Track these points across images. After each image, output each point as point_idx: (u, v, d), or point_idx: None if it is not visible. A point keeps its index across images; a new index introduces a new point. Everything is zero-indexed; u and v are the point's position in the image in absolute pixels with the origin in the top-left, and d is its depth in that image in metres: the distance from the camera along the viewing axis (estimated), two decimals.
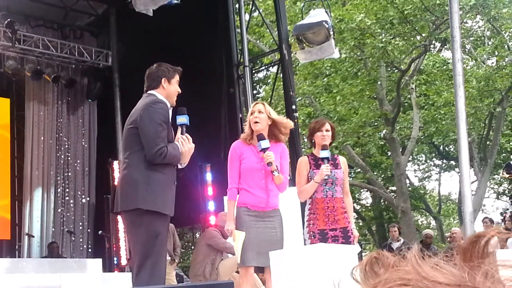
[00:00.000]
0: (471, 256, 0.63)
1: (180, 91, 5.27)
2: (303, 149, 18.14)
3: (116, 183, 13.06)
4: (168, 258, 10.64)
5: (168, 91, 5.14)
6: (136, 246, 4.91)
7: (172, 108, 5.16)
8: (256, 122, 5.51)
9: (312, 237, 5.81)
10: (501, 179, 25.79)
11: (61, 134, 13.51)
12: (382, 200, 26.51)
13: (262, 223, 5.41)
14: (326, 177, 5.77)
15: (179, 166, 5.14)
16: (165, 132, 4.95)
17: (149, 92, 5.18)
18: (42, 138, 13.26)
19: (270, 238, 5.41)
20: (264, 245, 5.35)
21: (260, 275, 5.58)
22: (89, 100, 13.77)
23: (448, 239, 13.19)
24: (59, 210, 13.25)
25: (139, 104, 5.13)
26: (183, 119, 5.12)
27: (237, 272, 5.62)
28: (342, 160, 6.04)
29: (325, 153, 5.79)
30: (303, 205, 10.05)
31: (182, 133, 5.09)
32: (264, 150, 5.46)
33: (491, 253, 0.63)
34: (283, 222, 5.68)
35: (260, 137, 5.50)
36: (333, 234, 5.76)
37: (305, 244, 5.95)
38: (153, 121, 4.90)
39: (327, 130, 5.94)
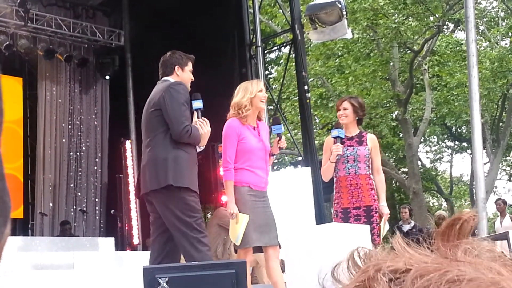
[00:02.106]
0: (448, 238, 0.65)
1: (193, 78, 5.36)
2: (315, 129, 18.11)
3: (126, 165, 13.11)
4: None
5: (181, 78, 5.26)
6: (175, 224, 4.97)
7: None
8: (263, 101, 5.53)
9: (335, 216, 5.82)
10: None
11: (73, 114, 13.55)
12: (393, 181, 26.46)
13: (260, 202, 5.41)
14: (346, 155, 5.75)
15: (198, 149, 5.24)
16: (188, 112, 5.10)
17: (164, 78, 5.31)
18: (54, 117, 13.29)
19: (268, 217, 5.43)
20: (264, 224, 5.36)
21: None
22: (106, 77, 13.72)
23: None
24: (72, 189, 13.31)
25: (156, 89, 5.26)
26: (198, 103, 5.22)
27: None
28: (370, 137, 5.94)
29: (335, 132, 5.76)
30: (315, 185, 10.09)
31: (198, 117, 5.19)
32: (280, 134, 5.53)
33: (467, 235, 0.66)
34: (296, 202, 5.72)
35: (278, 121, 5.58)
36: (355, 213, 5.74)
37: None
38: (176, 100, 5.04)
39: (344, 109, 5.89)
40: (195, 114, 5.22)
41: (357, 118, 5.94)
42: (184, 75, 5.29)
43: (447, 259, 0.62)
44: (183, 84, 5.17)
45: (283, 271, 5.82)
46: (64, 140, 13.34)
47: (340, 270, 0.68)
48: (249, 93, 5.42)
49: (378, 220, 5.78)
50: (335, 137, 5.75)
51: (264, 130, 5.55)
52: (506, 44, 22.24)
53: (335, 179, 5.89)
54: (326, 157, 5.85)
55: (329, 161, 5.77)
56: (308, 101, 11.07)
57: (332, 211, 5.98)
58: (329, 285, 0.69)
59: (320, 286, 0.72)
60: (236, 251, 5.50)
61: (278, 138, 5.54)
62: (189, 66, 5.33)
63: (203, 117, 5.24)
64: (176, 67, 5.27)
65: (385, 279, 0.62)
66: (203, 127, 5.15)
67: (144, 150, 5.23)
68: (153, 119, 5.14)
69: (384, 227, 5.80)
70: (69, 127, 13.49)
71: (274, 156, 5.62)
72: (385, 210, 5.82)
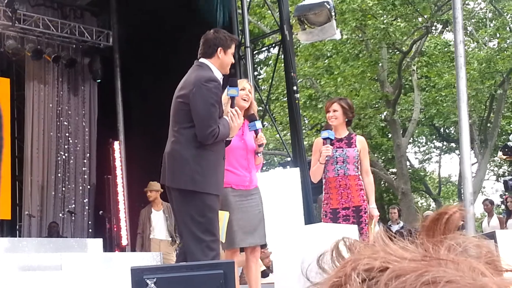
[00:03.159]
0: (433, 233, 0.64)
1: (234, 61, 5.19)
2: (304, 130, 18.13)
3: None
4: (169, 239, 10.68)
5: (222, 61, 5.01)
6: (186, 223, 4.80)
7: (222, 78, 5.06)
8: (245, 100, 5.49)
9: (324, 216, 5.84)
10: (501, 161, 25.80)
11: (61, 115, 13.49)
12: (382, 182, 26.51)
13: (246, 202, 5.39)
14: (335, 156, 5.77)
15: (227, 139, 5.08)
16: (217, 113, 4.82)
17: (203, 61, 5.02)
18: (42, 118, 13.24)
19: (254, 216, 5.40)
20: (249, 225, 5.34)
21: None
22: (96, 80, 13.69)
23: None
24: (60, 190, 13.26)
25: (190, 74, 4.97)
26: (233, 91, 5.06)
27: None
28: (359, 139, 5.97)
29: (325, 134, 5.78)
30: (304, 185, 10.10)
31: (232, 106, 5.00)
32: (257, 130, 5.48)
33: (453, 230, 0.65)
34: (285, 203, 5.71)
35: (253, 117, 5.50)
36: (344, 214, 5.75)
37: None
38: (206, 101, 4.75)
39: (334, 110, 5.91)
40: (229, 101, 5.03)
41: (346, 119, 5.97)
42: (226, 58, 5.02)
43: (428, 257, 0.61)
44: (217, 81, 4.87)
45: (271, 271, 5.82)
46: (52, 141, 13.28)
47: (325, 259, 0.67)
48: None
49: (367, 221, 5.80)
50: (325, 138, 5.76)
51: (248, 130, 5.53)
52: (493, 45, 22.33)
53: (324, 180, 5.91)
54: (316, 158, 5.87)
55: (319, 162, 5.78)
56: (297, 102, 11.08)
57: (321, 211, 5.98)
58: (313, 276, 0.69)
59: (304, 277, 0.71)
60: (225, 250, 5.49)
61: (254, 135, 5.51)
62: (232, 48, 5.07)
63: (236, 108, 5.02)
64: (219, 49, 4.98)
65: (359, 280, 0.61)
66: (234, 120, 4.93)
67: (169, 138, 4.97)
68: (180, 111, 4.87)
69: (374, 229, 5.82)
70: (57, 128, 13.43)
71: (260, 155, 5.57)
72: (375, 212, 5.86)
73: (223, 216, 5.18)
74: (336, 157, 5.79)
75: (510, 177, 9.91)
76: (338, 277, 0.63)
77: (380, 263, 0.61)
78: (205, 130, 4.73)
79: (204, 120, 4.74)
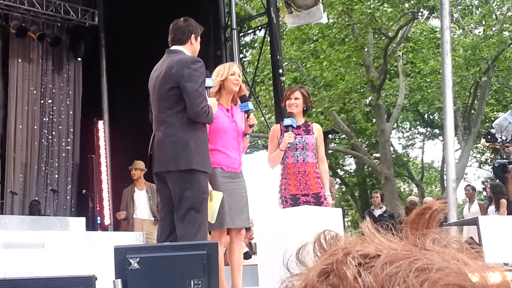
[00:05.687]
0: (417, 226, 0.67)
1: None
2: None
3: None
4: (152, 218, 10.69)
5: (194, 48, 5.16)
6: (185, 201, 4.88)
7: None
8: (235, 84, 5.51)
9: (284, 202, 5.87)
10: (484, 148, 25.98)
11: (45, 93, 13.40)
12: (366, 167, 26.65)
13: (234, 184, 5.43)
14: (295, 143, 5.82)
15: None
16: (206, 92, 4.96)
17: (176, 48, 5.13)
18: (26, 96, 13.14)
19: (241, 199, 5.45)
20: (237, 207, 5.38)
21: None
22: (77, 59, 13.60)
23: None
24: (43, 169, 13.20)
25: (169, 60, 5.05)
26: (209, 81, 5.10)
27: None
28: (315, 127, 6.06)
29: (288, 121, 5.84)
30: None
31: (208, 96, 5.06)
32: (248, 112, 5.52)
33: (436, 225, 0.67)
34: (269, 185, 5.75)
35: (245, 98, 5.56)
36: (305, 200, 5.80)
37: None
38: (196, 81, 4.87)
39: (295, 98, 5.97)
40: (205, 92, 5.07)
41: (304, 108, 6.02)
42: (197, 45, 5.19)
43: (416, 247, 0.64)
44: (200, 61, 5.00)
45: (254, 253, 5.85)
46: (36, 120, 13.20)
47: (305, 252, 0.69)
48: (220, 76, 5.46)
49: (328, 207, 5.87)
50: (287, 126, 5.81)
51: (238, 113, 5.56)
52: (479, 32, 22.42)
53: (282, 166, 5.97)
54: (274, 145, 5.95)
55: (279, 149, 5.83)
56: (282, 85, 11.08)
57: (279, 197, 5.99)
58: (294, 266, 0.70)
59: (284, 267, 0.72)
60: (210, 233, 5.50)
61: (246, 115, 5.56)
62: (199, 36, 5.24)
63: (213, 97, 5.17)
64: (193, 35, 5.15)
65: (354, 263, 0.62)
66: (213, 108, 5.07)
67: (158, 125, 5.04)
68: (170, 97, 4.95)
69: None
70: (41, 106, 13.34)
71: (248, 136, 5.63)
72: (330, 200, 5.97)
73: (217, 196, 5.21)
74: (296, 144, 5.86)
75: (499, 160, 9.94)
76: (327, 264, 0.64)
77: (374, 250, 0.63)
78: (197, 106, 4.83)
79: (196, 98, 4.84)
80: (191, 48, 5.13)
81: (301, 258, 0.69)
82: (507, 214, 10.06)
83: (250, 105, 5.60)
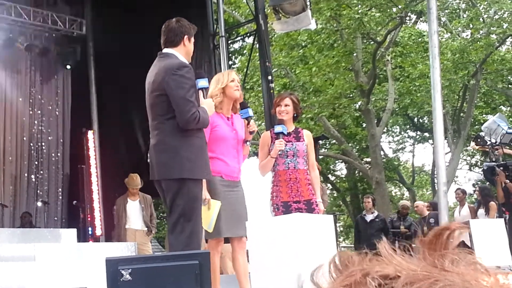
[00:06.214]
0: (435, 247, 0.66)
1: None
2: None
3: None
4: (145, 229, 10.65)
5: (187, 49, 5.03)
6: (175, 210, 4.80)
7: None
8: (236, 90, 5.52)
9: (276, 210, 5.85)
10: (474, 151, 26.06)
11: (34, 104, 13.34)
12: (356, 171, 26.68)
13: (233, 193, 5.42)
14: (286, 150, 5.80)
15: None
16: (194, 97, 4.83)
17: (168, 50, 5.01)
18: (15, 107, 13.08)
19: (240, 208, 5.45)
20: (235, 215, 5.37)
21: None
22: (67, 66, 13.51)
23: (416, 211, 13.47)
24: (33, 180, 13.13)
25: (159, 65, 4.93)
26: (203, 82, 5.04)
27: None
28: (306, 134, 6.04)
29: (279, 128, 5.82)
30: None
31: (204, 97, 5.00)
32: (249, 118, 5.53)
33: (454, 245, 0.67)
34: (259, 191, 5.74)
35: (245, 105, 5.57)
36: (296, 207, 5.78)
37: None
38: (182, 87, 4.73)
39: (286, 105, 5.94)
40: (201, 93, 5.00)
41: (294, 114, 6.01)
42: (190, 46, 5.04)
43: (435, 268, 0.63)
44: (188, 66, 4.87)
45: (247, 261, 5.82)
46: (25, 130, 13.14)
47: (320, 274, 0.68)
48: (220, 83, 5.47)
49: (319, 214, 5.86)
50: (278, 133, 5.80)
51: (238, 121, 5.57)
52: (467, 35, 22.50)
53: (272, 173, 5.95)
54: (264, 152, 5.93)
55: (270, 156, 5.82)
56: (272, 91, 11.08)
57: (270, 204, 5.97)
58: None
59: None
60: (206, 241, 5.48)
61: (246, 122, 5.56)
62: (192, 36, 5.10)
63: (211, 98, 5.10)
64: (185, 37, 5.00)
65: (374, 284, 0.62)
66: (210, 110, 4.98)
67: (152, 131, 4.96)
68: (160, 104, 4.83)
69: None
70: (30, 117, 13.28)
71: (248, 143, 5.63)
72: (321, 207, 5.97)
73: (215, 205, 5.19)
74: (287, 151, 5.84)
75: (488, 163, 9.95)
76: (345, 285, 0.63)
77: (393, 271, 0.63)
78: (186, 114, 4.71)
79: (184, 105, 4.72)
80: (184, 50, 5.01)
81: (316, 280, 0.68)
82: (497, 217, 10.08)
83: (250, 111, 5.61)
